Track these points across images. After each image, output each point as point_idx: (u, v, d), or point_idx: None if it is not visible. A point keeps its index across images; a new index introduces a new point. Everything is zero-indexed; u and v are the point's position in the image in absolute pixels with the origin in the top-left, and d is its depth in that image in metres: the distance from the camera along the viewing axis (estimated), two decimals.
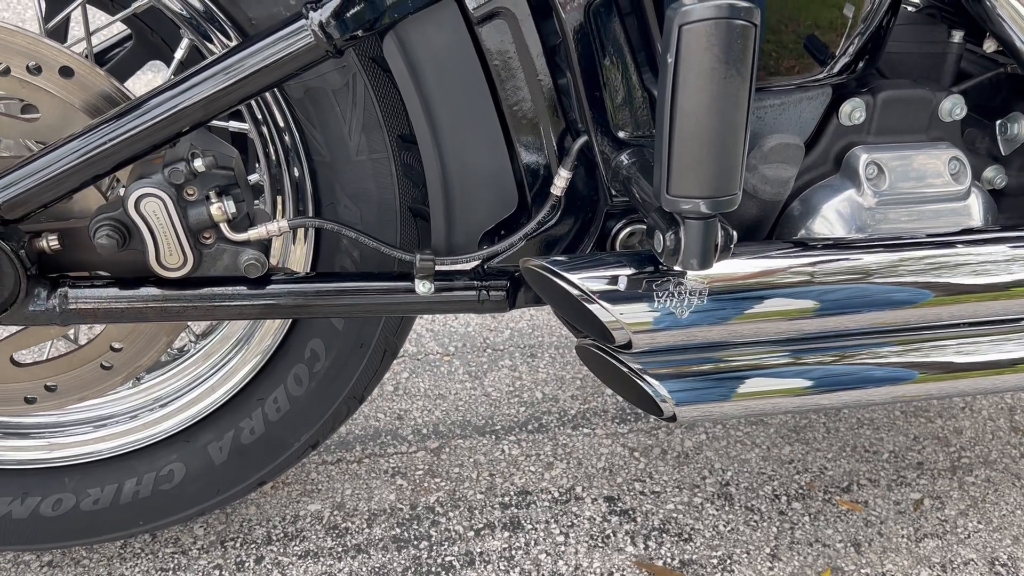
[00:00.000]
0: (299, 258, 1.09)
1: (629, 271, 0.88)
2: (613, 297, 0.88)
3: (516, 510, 1.41)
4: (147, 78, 2.47)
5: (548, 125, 0.97)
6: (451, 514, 1.39)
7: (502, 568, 1.31)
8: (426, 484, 1.44)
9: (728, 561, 1.35)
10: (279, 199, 1.06)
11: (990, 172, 1.10)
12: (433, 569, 1.29)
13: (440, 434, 1.54)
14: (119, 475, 1.19)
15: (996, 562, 1.38)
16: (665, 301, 0.87)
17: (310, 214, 1.06)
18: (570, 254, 0.98)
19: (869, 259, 0.93)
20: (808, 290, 0.91)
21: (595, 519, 1.40)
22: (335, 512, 1.39)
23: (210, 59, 0.89)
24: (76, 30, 1.17)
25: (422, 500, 1.41)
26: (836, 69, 0.98)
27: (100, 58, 1.28)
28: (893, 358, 0.96)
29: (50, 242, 0.94)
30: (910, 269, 0.94)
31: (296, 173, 1.04)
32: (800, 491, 1.48)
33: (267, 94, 0.99)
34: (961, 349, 0.99)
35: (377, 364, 1.18)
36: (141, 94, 0.89)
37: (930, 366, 0.98)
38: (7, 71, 0.90)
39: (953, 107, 1.05)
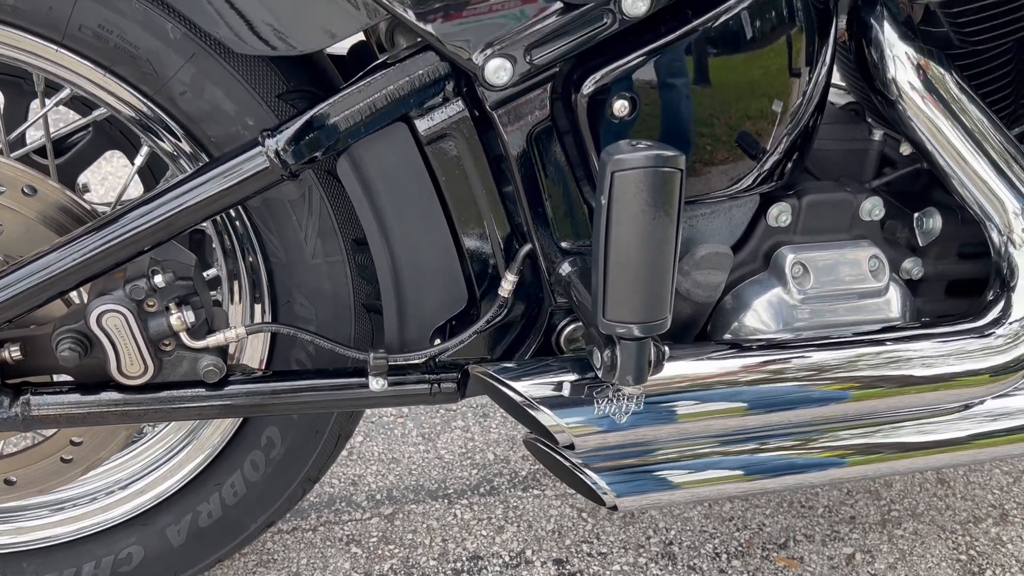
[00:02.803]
0: (255, 352, 1.13)
1: (569, 378, 0.94)
2: (554, 403, 0.94)
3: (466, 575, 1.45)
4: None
5: (495, 232, 1.02)
6: None
7: None
8: (380, 551, 1.49)
9: None
10: (234, 289, 1.10)
11: (908, 264, 1.18)
12: None
13: (394, 499, 1.59)
14: (78, 559, 1.22)
15: None
16: (604, 407, 0.93)
17: (267, 312, 1.10)
18: (514, 359, 1.03)
19: (796, 360, 1.00)
20: (739, 391, 0.97)
21: None
22: None
23: (172, 182, 0.93)
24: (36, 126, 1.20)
25: (376, 568, 1.45)
26: (764, 176, 1.05)
27: (59, 145, 1.30)
28: (825, 444, 1.04)
29: (12, 352, 0.97)
30: (833, 368, 1.01)
31: (252, 273, 1.08)
32: (739, 548, 1.55)
33: None
34: (885, 434, 1.07)
35: (331, 448, 1.22)
36: (105, 214, 0.92)
37: (858, 449, 1.05)
38: None
39: (873, 208, 1.13)
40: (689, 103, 0.94)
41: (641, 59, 0.90)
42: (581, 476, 0.99)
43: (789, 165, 1.07)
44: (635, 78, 0.90)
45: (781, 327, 1.09)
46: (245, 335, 1.00)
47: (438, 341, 1.08)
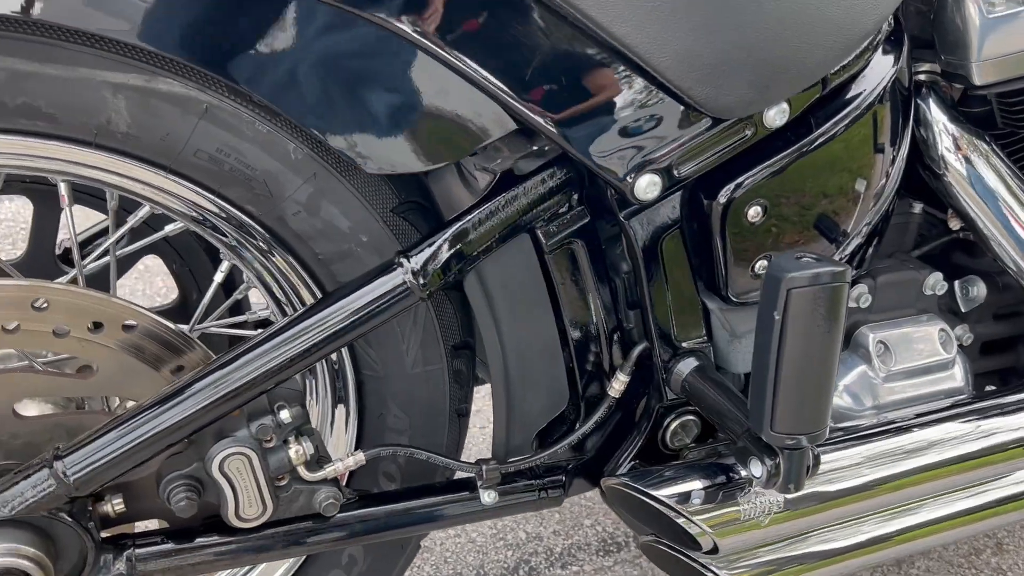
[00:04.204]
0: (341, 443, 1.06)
1: (709, 484, 0.94)
2: (696, 511, 0.93)
3: None
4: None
5: (603, 333, 1.01)
6: None
7: None
8: None
9: None
10: (337, 413, 1.04)
11: (959, 331, 1.24)
12: None
13: None
14: None
15: None
16: (749, 511, 0.93)
17: (353, 428, 1.04)
18: (647, 467, 1.01)
19: (906, 438, 1.04)
20: (863, 476, 1.00)
21: None
22: None
23: (297, 314, 0.87)
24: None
25: None
26: (857, 262, 1.08)
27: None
28: (935, 510, 1.07)
29: (115, 505, 0.87)
30: (940, 442, 1.05)
31: (345, 390, 1.02)
32: None
33: None
34: (976, 496, 1.12)
35: (410, 559, 1.17)
36: (221, 356, 0.85)
37: (958, 513, 1.10)
38: (67, 333, 0.84)
39: (936, 283, 1.18)
40: (811, 205, 0.96)
41: (774, 167, 0.91)
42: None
43: (870, 250, 1.11)
44: (767, 185, 0.91)
45: (868, 405, 1.12)
46: (364, 461, 0.95)
47: (536, 445, 1.05)
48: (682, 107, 0.84)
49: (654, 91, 0.83)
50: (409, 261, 0.86)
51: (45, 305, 0.83)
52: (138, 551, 0.88)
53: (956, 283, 1.26)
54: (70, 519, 0.83)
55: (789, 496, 0.93)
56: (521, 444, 1.06)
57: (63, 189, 0.93)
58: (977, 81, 1.10)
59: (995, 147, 1.18)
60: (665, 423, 1.06)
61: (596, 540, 1.67)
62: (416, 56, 0.81)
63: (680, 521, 0.92)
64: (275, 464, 0.90)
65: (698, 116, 0.85)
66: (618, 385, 1.02)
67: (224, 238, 0.94)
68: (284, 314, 1.02)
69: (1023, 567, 1.71)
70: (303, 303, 0.98)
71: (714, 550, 0.94)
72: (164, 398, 0.83)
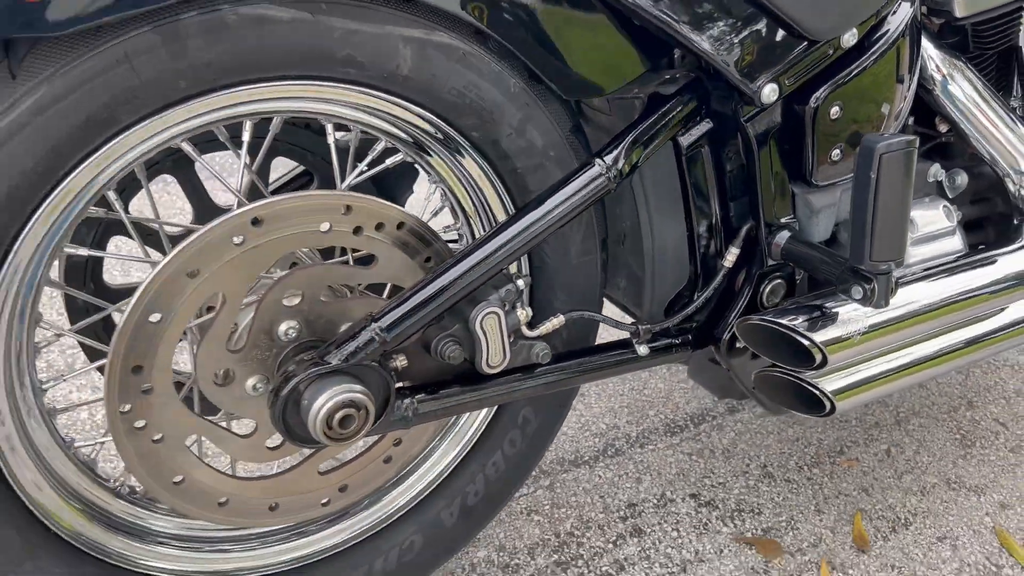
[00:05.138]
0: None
1: (818, 314, 1.28)
2: (814, 331, 1.26)
3: (633, 520, 1.74)
4: None
5: (719, 219, 1.34)
6: (587, 534, 1.70)
7: (646, 567, 1.64)
8: (556, 515, 1.73)
9: (792, 521, 1.78)
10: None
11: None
12: None
13: (546, 473, 1.83)
14: (368, 557, 1.38)
15: (949, 481, 1.93)
16: (850, 328, 1.27)
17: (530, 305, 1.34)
18: (772, 308, 1.35)
19: (961, 275, 1.41)
20: (932, 302, 1.36)
21: (690, 514, 1.77)
22: (500, 554, 1.64)
23: (524, 206, 1.16)
24: None
25: (560, 528, 1.70)
26: None
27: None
28: (966, 334, 1.44)
29: (400, 362, 1.15)
30: (979, 282, 1.43)
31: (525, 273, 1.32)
32: (813, 459, 1.95)
33: None
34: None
35: (563, 420, 1.47)
36: (479, 241, 1.14)
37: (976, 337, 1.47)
38: (360, 231, 1.12)
39: (936, 172, 1.56)
40: (870, 105, 1.31)
41: (847, 77, 1.26)
42: (813, 389, 1.33)
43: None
44: (842, 91, 1.26)
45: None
46: (564, 322, 1.25)
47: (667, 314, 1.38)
48: (792, 35, 1.18)
49: (773, 23, 1.17)
50: (603, 160, 1.17)
51: (347, 211, 1.10)
52: (417, 396, 1.17)
53: (943, 174, 1.65)
54: (382, 369, 1.11)
55: (878, 315, 1.28)
56: (656, 312, 1.38)
57: (332, 132, 1.18)
58: (958, 14, 1.48)
59: (969, 66, 1.57)
60: (761, 287, 1.40)
61: (662, 425, 2.00)
62: (598, 5, 1.12)
63: (800, 339, 1.26)
64: (511, 323, 1.19)
65: (801, 40, 1.19)
66: (731, 257, 1.35)
67: (433, 162, 1.23)
68: (471, 226, 1.31)
69: (989, 418, 2.12)
70: (492, 214, 1.27)
71: (823, 363, 1.28)
72: (443, 271, 1.11)
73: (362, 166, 1.20)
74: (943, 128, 1.62)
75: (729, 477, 1.87)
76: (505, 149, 1.20)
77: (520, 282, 1.18)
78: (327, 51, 1.02)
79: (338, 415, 1.05)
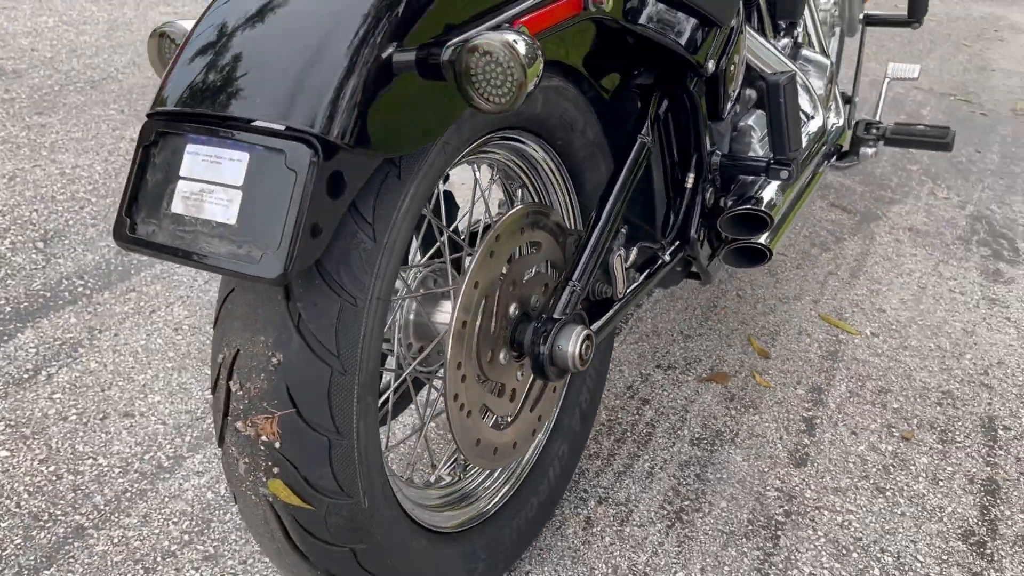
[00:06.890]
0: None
1: (763, 195, 1.99)
2: (763, 206, 1.97)
3: (638, 395, 2.36)
4: None
5: (679, 157, 1.99)
6: (617, 414, 2.29)
7: (663, 419, 2.28)
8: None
9: (720, 357, 2.53)
10: None
11: None
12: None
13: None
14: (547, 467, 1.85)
15: (780, 299, 2.81)
16: (777, 197, 2.00)
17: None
18: (733, 205, 2.02)
19: None
20: None
21: (665, 378, 2.44)
22: None
23: (619, 168, 1.71)
24: None
25: (598, 418, 2.28)
26: None
27: None
28: None
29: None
30: None
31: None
32: (703, 316, 2.71)
33: None
34: None
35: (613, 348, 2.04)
36: (599, 209, 1.67)
37: None
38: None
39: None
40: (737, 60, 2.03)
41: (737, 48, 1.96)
42: (763, 248, 2.05)
43: None
44: (732, 55, 1.96)
45: None
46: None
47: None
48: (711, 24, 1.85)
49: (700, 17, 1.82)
50: (643, 133, 1.75)
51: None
52: (593, 324, 1.68)
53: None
54: (581, 311, 1.61)
55: (792, 182, 2.02)
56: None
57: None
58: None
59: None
60: (707, 195, 2.08)
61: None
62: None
63: (762, 214, 1.96)
64: (627, 257, 1.74)
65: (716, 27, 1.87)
66: (690, 180, 2.01)
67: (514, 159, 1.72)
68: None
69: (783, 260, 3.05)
70: (550, 197, 1.79)
71: (770, 225, 2.00)
72: (588, 236, 1.63)
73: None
74: None
75: (668, 346, 2.57)
76: (576, 147, 1.73)
77: (623, 230, 1.72)
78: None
79: (583, 347, 1.54)
